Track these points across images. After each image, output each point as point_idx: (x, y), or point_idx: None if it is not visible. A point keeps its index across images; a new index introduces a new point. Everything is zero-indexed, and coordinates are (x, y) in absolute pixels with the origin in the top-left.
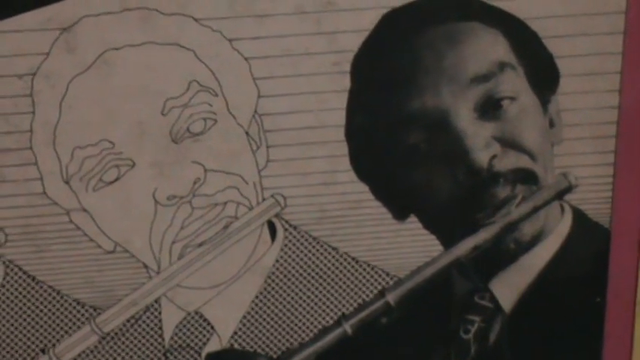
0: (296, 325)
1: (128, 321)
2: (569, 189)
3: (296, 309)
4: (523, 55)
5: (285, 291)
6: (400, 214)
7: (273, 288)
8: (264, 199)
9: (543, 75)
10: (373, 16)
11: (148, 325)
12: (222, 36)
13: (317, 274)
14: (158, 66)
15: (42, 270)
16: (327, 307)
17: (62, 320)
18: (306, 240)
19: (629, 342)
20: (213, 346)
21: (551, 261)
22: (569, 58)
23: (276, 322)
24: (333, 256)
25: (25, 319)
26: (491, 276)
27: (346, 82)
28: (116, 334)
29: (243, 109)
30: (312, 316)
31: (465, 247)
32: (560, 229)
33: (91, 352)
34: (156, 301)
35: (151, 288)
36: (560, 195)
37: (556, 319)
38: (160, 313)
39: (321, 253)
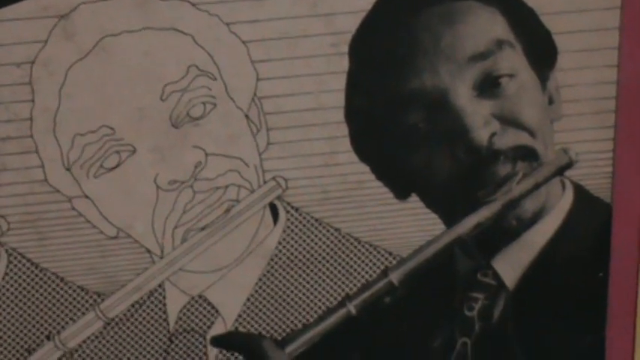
0: (300, 306)
1: (132, 306)
2: (569, 165)
3: (299, 290)
4: (521, 32)
5: (288, 273)
6: (402, 194)
7: (276, 270)
8: (265, 182)
9: (541, 52)
10: None
11: (152, 310)
12: (220, 20)
13: (320, 255)
14: (156, 51)
15: (45, 257)
16: (331, 287)
17: (67, 307)
18: (309, 221)
19: (633, 316)
20: (217, 329)
21: (553, 237)
22: (567, 35)
23: (280, 304)
24: (336, 237)
25: (29, 307)
26: (493, 253)
27: (344, 64)
28: (121, 319)
29: (243, 93)
30: (315, 297)
31: (467, 225)
32: (561, 204)
33: (96, 337)
34: (160, 286)
35: (154, 273)
36: (560, 171)
37: (559, 295)
38: (164, 297)
39: (324, 235)
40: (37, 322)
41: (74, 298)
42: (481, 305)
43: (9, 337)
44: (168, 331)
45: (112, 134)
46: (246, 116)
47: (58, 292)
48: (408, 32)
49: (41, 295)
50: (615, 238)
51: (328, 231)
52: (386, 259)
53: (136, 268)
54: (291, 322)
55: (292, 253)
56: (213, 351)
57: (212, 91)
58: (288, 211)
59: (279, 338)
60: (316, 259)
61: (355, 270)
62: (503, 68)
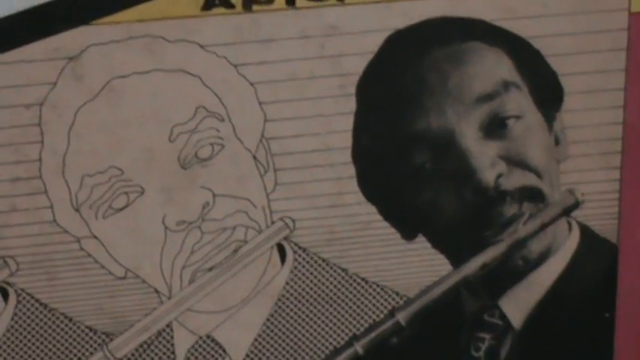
0: (307, 346)
1: (140, 346)
2: (575, 205)
3: (307, 330)
4: (527, 73)
5: (295, 313)
6: (408, 234)
7: (284, 310)
8: (273, 223)
9: (548, 93)
10: (377, 39)
11: (160, 350)
12: (228, 61)
13: (327, 295)
14: (165, 93)
15: (54, 298)
16: (338, 327)
17: (75, 347)
18: (316, 262)
19: (639, 357)
20: None
21: (559, 277)
22: (573, 76)
23: (287, 344)
24: (343, 277)
25: (38, 347)
26: (500, 294)
27: (352, 105)
28: (129, 359)
29: (250, 134)
30: (323, 337)
31: (473, 265)
32: (567, 245)
33: None
34: (168, 326)
35: (162, 313)
36: (566, 212)
37: (566, 335)
38: (172, 337)
39: (331, 275)
40: None
41: (82, 339)
42: (488, 345)
43: None
44: None
45: (120, 175)
46: (254, 157)
47: (66, 333)
48: (414, 73)
49: (50, 335)
50: (621, 279)
51: (335, 271)
52: (393, 299)
53: (145, 309)
54: None
55: (300, 293)
56: None
57: (220, 132)
58: (295, 252)
59: None
60: (323, 299)
61: (362, 310)
62: (509, 109)
